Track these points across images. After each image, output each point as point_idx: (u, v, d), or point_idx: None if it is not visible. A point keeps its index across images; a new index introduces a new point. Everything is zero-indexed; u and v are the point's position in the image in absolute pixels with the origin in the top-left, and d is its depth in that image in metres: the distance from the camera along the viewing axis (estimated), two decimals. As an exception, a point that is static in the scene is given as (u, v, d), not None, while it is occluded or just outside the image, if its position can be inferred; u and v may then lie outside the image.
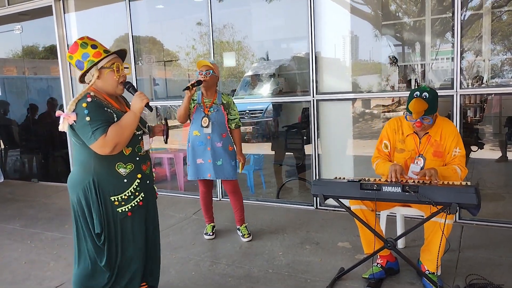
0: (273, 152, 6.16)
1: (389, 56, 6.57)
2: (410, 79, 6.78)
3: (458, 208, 2.37)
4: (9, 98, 7.29)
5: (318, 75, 4.38)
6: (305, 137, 5.18)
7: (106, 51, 2.21)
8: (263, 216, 4.36)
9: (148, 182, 2.35)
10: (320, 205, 4.47)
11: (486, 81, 6.26)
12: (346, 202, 2.81)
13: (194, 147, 3.58)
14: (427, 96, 2.68)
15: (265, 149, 7.05)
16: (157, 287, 2.63)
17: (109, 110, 2.15)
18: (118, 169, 2.20)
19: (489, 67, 6.63)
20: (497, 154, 5.92)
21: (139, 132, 2.27)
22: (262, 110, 6.93)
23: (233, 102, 3.68)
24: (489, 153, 6.00)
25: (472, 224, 3.80)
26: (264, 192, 5.36)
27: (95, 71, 2.18)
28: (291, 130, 5.95)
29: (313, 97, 4.38)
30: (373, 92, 5.46)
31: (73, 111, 2.08)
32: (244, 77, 7.49)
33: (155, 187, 2.49)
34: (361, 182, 2.61)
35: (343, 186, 2.67)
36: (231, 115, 3.63)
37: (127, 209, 2.24)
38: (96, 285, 2.31)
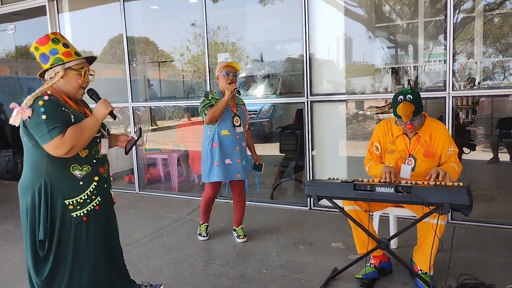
0: (268, 153, 6.18)
1: (387, 65, 6.64)
2: (403, 81, 6.84)
3: (450, 208, 2.40)
4: (2, 98, 7.24)
5: (312, 77, 4.40)
6: (299, 138, 5.20)
7: (77, 53, 2.16)
8: (257, 216, 4.38)
9: (105, 186, 2.27)
10: (314, 206, 4.49)
11: (478, 83, 6.33)
12: (339, 202, 2.83)
13: (222, 147, 3.51)
14: (412, 98, 2.72)
15: (259, 150, 7.06)
16: None
17: (66, 110, 2.07)
18: (73, 171, 2.10)
19: (481, 70, 6.71)
20: (488, 156, 5.99)
21: (97, 135, 2.20)
22: (256, 111, 6.95)
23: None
24: (481, 154, 6.07)
25: (464, 224, 3.83)
26: (258, 193, 5.38)
27: (61, 70, 2.10)
28: (285, 131, 5.97)
29: (307, 98, 4.40)
30: (366, 94, 5.49)
31: (29, 106, 1.99)
32: (238, 78, 7.50)
33: (111, 192, 2.38)
34: (355, 182, 2.63)
35: (336, 187, 2.69)
36: (248, 116, 3.72)
37: (82, 214, 2.12)
38: None
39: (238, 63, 3.60)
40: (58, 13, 5.97)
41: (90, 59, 2.25)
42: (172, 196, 5.39)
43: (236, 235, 3.75)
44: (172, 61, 7.71)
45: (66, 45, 2.14)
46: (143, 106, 6.08)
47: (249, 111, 3.78)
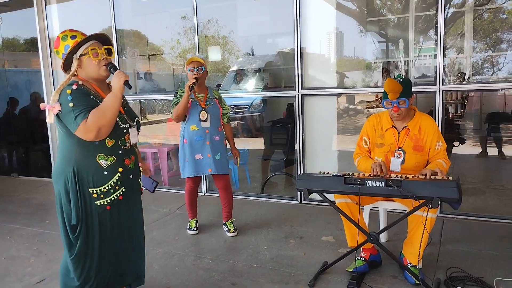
0: (258, 147, 6.16)
1: (383, 68, 6.65)
2: (394, 76, 6.85)
3: (439, 202, 2.41)
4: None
5: (303, 71, 4.38)
6: (289, 132, 5.19)
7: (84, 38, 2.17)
8: (248, 210, 4.37)
9: (131, 176, 2.29)
10: (304, 200, 4.50)
11: (467, 78, 6.37)
12: (330, 196, 2.83)
13: (192, 142, 3.52)
14: (401, 80, 2.78)
15: (250, 144, 7.04)
16: (142, 283, 2.56)
17: (95, 98, 2.11)
18: (99, 160, 2.14)
19: (471, 64, 6.75)
20: (477, 150, 6.04)
21: (124, 125, 2.22)
22: (247, 105, 6.92)
23: (223, 97, 3.74)
24: (469, 148, 6.12)
25: (453, 218, 3.87)
26: (248, 187, 5.37)
27: (75, 60, 2.16)
28: (276, 125, 5.95)
29: (298, 92, 4.39)
30: (357, 88, 5.50)
31: (57, 101, 2.06)
32: (230, 72, 7.46)
33: (140, 182, 2.44)
34: (345, 176, 2.63)
35: (327, 181, 2.69)
36: (223, 109, 3.67)
37: (105, 203, 2.18)
38: (70, 281, 2.27)
39: (199, 57, 3.55)
40: (45, 5, 5.86)
41: (101, 39, 2.24)
42: (162, 190, 5.35)
43: (227, 229, 3.74)
44: (162, 54, 7.64)
45: (74, 36, 2.16)
46: (132, 100, 6.02)
47: (240, 105, 3.75)
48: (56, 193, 2.21)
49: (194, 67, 3.46)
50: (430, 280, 2.70)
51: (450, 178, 2.50)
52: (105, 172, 2.16)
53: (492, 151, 5.88)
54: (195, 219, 3.86)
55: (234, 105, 6.32)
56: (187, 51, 6.82)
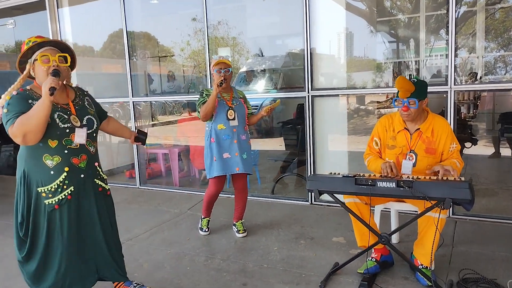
0: (269, 148, 6.18)
1: (388, 60, 6.62)
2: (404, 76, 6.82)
3: (451, 203, 2.39)
4: (2, 93, 7.21)
5: (313, 71, 4.38)
6: (300, 133, 5.20)
7: (40, 43, 2.23)
8: (258, 211, 4.37)
9: (82, 176, 2.29)
10: (315, 201, 4.49)
11: (479, 78, 6.31)
12: (340, 197, 2.82)
13: (219, 141, 3.52)
14: (416, 81, 2.74)
15: (260, 145, 7.06)
16: (124, 279, 2.57)
17: (35, 103, 2.12)
18: (45, 160, 2.19)
19: (483, 64, 6.68)
20: (490, 150, 5.98)
21: (65, 125, 2.21)
22: (257, 106, 6.93)
23: (246, 97, 3.77)
24: (482, 149, 6.06)
25: (465, 219, 3.83)
26: (259, 188, 5.37)
27: (28, 64, 2.25)
28: (286, 126, 5.96)
29: (308, 93, 4.39)
30: (367, 88, 5.48)
31: (2, 106, 2.17)
32: (239, 72, 7.48)
33: (99, 183, 2.41)
34: (356, 177, 2.62)
35: (338, 182, 2.68)
36: (248, 108, 3.69)
37: (54, 202, 2.22)
38: (26, 279, 2.34)
39: (228, 59, 3.59)
40: (57, 8, 5.94)
41: (58, 45, 2.29)
42: (173, 191, 5.39)
43: (236, 230, 3.75)
44: (172, 55, 7.69)
45: (34, 42, 2.23)
46: (143, 101, 6.07)
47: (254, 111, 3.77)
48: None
49: (221, 68, 3.48)
50: (442, 282, 2.68)
51: (463, 179, 2.48)
52: (52, 172, 2.20)
53: (505, 151, 5.81)
54: (208, 218, 3.87)
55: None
56: (197, 52, 6.86)
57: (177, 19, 6.43)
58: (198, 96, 3.57)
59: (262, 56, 7.65)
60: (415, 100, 2.73)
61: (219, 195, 3.72)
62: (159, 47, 7.40)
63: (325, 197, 2.89)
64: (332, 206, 4.31)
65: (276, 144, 5.97)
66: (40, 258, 2.28)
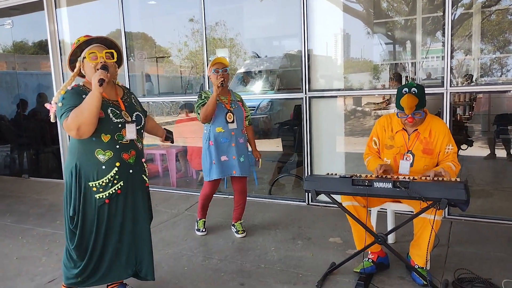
0: (266, 149, 6.18)
1: (394, 73, 6.67)
2: (401, 77, 6.84)
3: (447, 203, 2.41)
4: (2, 94, 7.21)
5: (310, 73, 4.40)
6: (297, 134, 5.21)
7: (87, 41, 2.29)
8: (255, 212, 4.39)
9: (131, 171, 2.34)
10: (312, 201, 4.51)
11: (475, 80, 6.34)
12: (338, 198, 2.84)
13: (218, 144, 3.53)
14: (416, 92, 2.75)
15: (257, 146, 7.05)
16: (152, 278, 2.59)
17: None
18: (98, 155, 2.24)
19: (479, 66, 6.72)
20: (485, 152, 6.01)
21: (118, 120, 2.27)
22: (254, 107, 6.95)
23: (244, 100, 3.77)
24: (478, 150, 6.09)
25: (461, 219, 3.86)
26: (256, 188, 5.39)
27: (78, 63, 2.30)
28: (284, 127, 5.97)
29: (305, 94, 4.41)
30: (364, 90, 5.50)
31: (56, 102, 2.21)
32: (237, 74, 7.50)
33: (145, 178, 2.47)
34: (353, 178, 2.64)
35: (335, 182, 2.70)
36: (246, 111, 3.69)
37: (104, 196, 2.27)
38: (71, 270, 2.37)
39: (225, 58, 3.57)
40: (55, 8, 5.94)
41: (104, 42, 2.34)
42: (170, 191, 5.40)
43: (235, 230, 3.77)
44: (169, 56, 7.69)
45: (82, 40, 2.28)
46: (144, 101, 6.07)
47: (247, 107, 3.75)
48: (65, 185, 2.35)
49: (218, 69, 3.47)
50: (438, 282, 2.70)
51: (458, 179, 2.51)
52: (103, 167, 2.25)
53: (501, 153, 5.85)
54: (204, 219, 3.88)
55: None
56: (195, 53, 6.87)
57: (175, 20, 6.43)
58: (197, 97, 3.56)
59: (260, 57, 7.66)
60: (420, 112, 2.76)
61: (217, 195, 3.74)
62: (157, 47, 7.40)
63: (322, 197, 2.91)
64: (329, 206, 4.33)
65: (274, 145, 5.98)
66: (90, 252, 2.33)
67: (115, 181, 2.28)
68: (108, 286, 2.62)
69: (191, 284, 2.92)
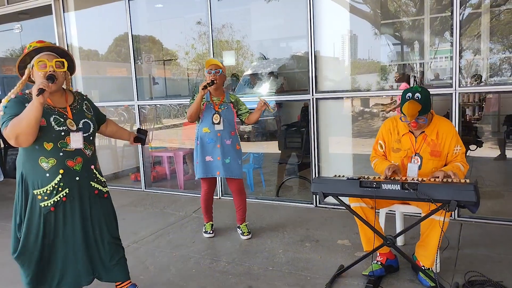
0: (273, 151, 6.18)
1: (392, 62, 6.63)
2: (409, 78, 6.80)
3: (457, 205, 2.38)
4: (9, 96, 7.28)
5: (317, 74, 4.39)
6: (304, 136, 5.20)
7: (38, 48, 2.27)
8: (263, 214, 4.38)
9: (77, 178, 2.30)
10: (319, 203, 4.49)
11: (484, 80, 6.29)
12: (345, 200, 2.82)
13: (203, 144, 3.58)
14: (420, 97, 2.68)
15: (264, 147, 7.07)
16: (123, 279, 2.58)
17: None
18: (41, 163, 2.23)
19: (488, 66, 6.66)
20: (495, 153, 5.95)
21: (61, 128, 2.24)
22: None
23: (240, 99, 3.77)
24: (487, 151, 6.03)
25: (471, 221, 3.82)
26: (263, 190, 5.38)
27: (28, 70, 2.29)
28: (291, 128, 5.96)
29: (313, 95, 4.40)
30: (372, 91, 5.47)
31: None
32: (244, 76, 7.51)
33: (95, 185, 2.41)
34: (361, 180, 2.62)
35: (342, 184, 2.68)
36: (241, 110, 3.69)
37: (49, 204, 2.25)
38: (23, 279, 2.35)
39: (217, 60, 3.61)
40: (64, 12, 5.99)
41: (55, 50, 2.33)
42: (178, 194, 5.41)
43: (240, 232, 3.76)
44: (177, 59, 7.73)
45: (30, 47, 2.28)
46: (148, 105, 6.10)
47: (253, 109, 3.71)
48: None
49: (211, 70, 3.50)
50: (448, 284, 2.67)
51: (468, 181, 2.48)
52: (47, 174, 2.23)
53: (511, 154, 5.79)
54: (211, 222, 3.89)
55: (249, 109, 6.47)
56: (202, 56, 6.89)
57: (182, 23, 6.46)
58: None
59: (267, 59, 7.67)
60: (423, 117, 2.72)
61: (223, 197, 3.73)
62: (164, 50, 7.44)
63: (330, 199, 2.89)
64: (337, 208, 4.31)
65: (282, 147, 5.96)
66: (36, 260, 2.31)
67: (60, 189, 2.25)
68: (116, 286, 2.61)
69: (199, 286, 2.91)
